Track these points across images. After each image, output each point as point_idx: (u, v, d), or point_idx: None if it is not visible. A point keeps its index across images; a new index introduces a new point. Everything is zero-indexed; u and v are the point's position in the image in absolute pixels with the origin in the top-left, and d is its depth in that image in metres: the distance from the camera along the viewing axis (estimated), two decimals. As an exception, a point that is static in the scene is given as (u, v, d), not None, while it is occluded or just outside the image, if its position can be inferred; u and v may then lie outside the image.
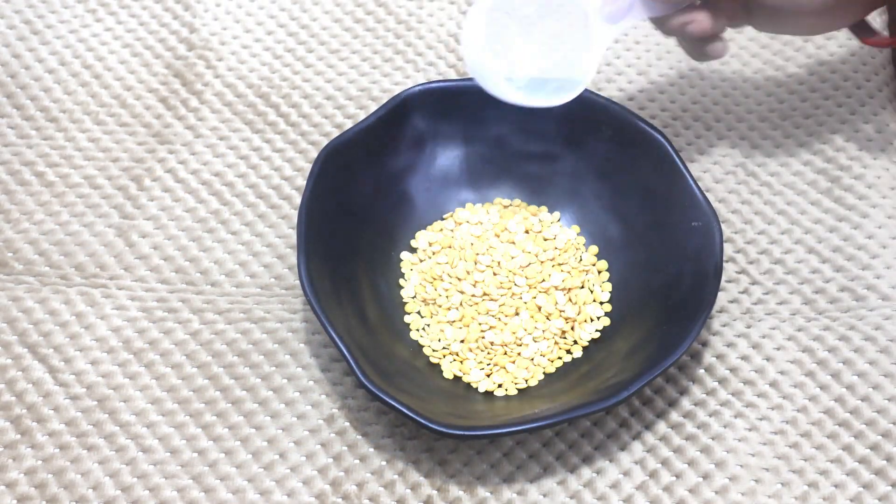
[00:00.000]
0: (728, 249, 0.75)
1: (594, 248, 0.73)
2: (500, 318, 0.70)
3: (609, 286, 0.71)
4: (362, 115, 0.82)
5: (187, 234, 0.76)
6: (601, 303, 0.71)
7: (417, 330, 0.70)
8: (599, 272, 0.72)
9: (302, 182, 0.78)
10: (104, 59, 0.85)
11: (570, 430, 0.68)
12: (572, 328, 0.70)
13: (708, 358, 0.70)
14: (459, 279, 0.70)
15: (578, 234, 0.73)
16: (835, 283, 0.73)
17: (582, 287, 0.71)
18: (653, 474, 0.66)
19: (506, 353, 0.69)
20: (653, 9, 0.70)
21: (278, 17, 0.87)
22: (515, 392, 0.68)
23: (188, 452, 0.67)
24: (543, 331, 0.69)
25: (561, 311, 0.70)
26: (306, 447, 0.67)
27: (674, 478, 0.66)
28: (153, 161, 0.79)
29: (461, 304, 0.70)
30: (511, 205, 0.74)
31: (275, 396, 0.69)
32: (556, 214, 0.74)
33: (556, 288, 0.70)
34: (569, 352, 0.70)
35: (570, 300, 0.70)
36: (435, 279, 0.71)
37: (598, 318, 0.70)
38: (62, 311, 0.72)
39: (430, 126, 0.74)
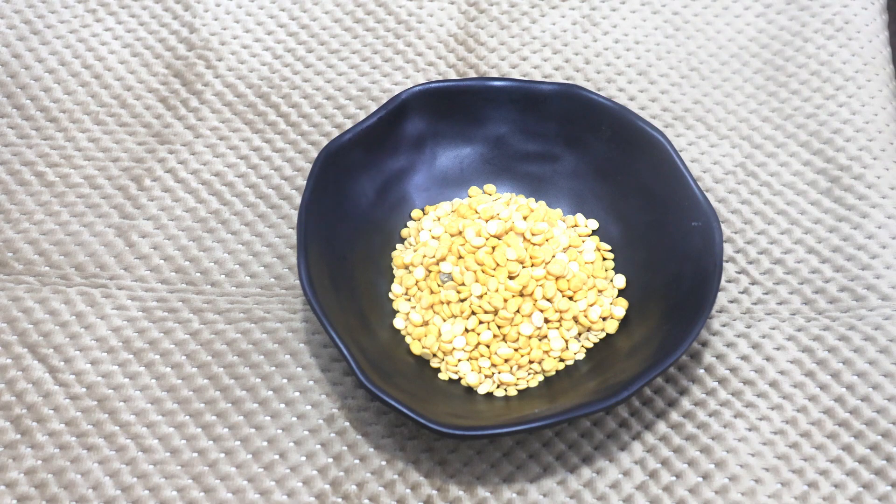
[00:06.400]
0: (728, 249, 0.75)
1: (605, 246, 0.73)
2: (501, 320, 0.69)
3: (615, 293, 0.71)
4: (362, 115, 0.82)
5: (187, 234, 0.76)
6: (610, 305, 0.71)
7: (416, 329, 0.70)
8: (606, 270, 0.72)
9: (302, 182, 0.78)
10: (104, 59, 0.85)
11: (570, 430, 0.68)
12: (578, 334, 0.70)
13: (708, 358, 0.70)
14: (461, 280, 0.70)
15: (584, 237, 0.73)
16: (835, 283, 0.73)
17: (591, 289, 0.71)
18: (653, 474, 0.66)
19: (506, 360, 0.69)
20: None
21: (278, 17, 0.87)
22: (515, 392, 0.68)
23: (188, 452, 0.67)
24: (547, 332, 0.69)
25: (564, 312, 0.70)
26: (306, 447, 0.67)
27: (674, 478, 0.66)
28: (153, 161, 0.79)
29: (461, 303, 0.70)
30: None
31: (275, 396, 0.69)
32: (558, 211, 0.74)
33: (559, 289, 0.70)
34: (562, 360, 0.69)
35: (574, 301, 0.70)
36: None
37: (605, 319, 0.70)
38: (62, 311, 0.72)
39: (430, 126, 0.74)
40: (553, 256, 0.70)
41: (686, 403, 0.69)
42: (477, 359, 0.69)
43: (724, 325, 0.71)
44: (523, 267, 0.69)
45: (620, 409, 0.68)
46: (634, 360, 0.66)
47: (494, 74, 0.84)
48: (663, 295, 0.69)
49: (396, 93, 0.81)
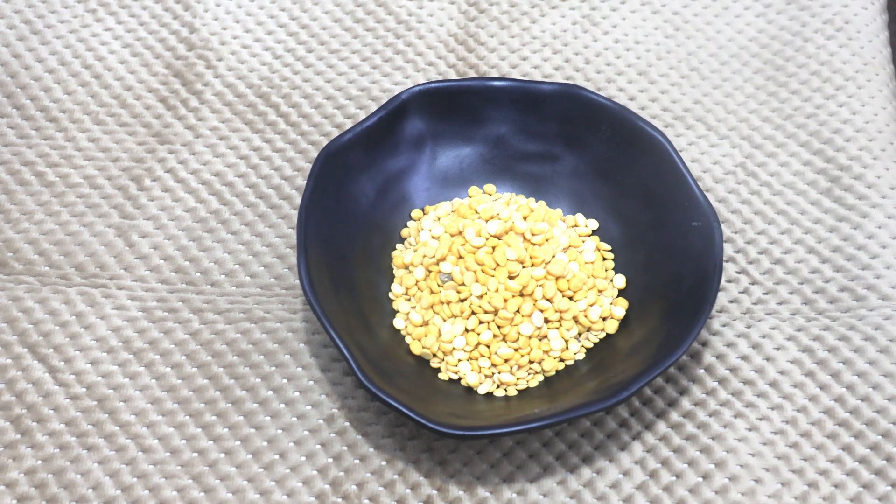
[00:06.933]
0: (728, 249, 0.75)
1: (605, 246, 0.73)
2: (501, 320, 0.69)
3: (615, 293, 0.71)
4: (362, 115, 0.82)
5: (187, 234, 0.76)
6: (611, 305, 0.71)
7: (416, 329, 0.70)
8: (606, 270, 0.72)
9: (302, 182, 0.78)
10: (104, 59, 0.85)
11: (570, 430, 0.68)
12: (578, 334, 0.70)
13: (708, 358, 0.70)
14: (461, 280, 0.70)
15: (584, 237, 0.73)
16: (835, 283, 0.73)
17: (591, 289, 0.71)
18: (653, 474, 0.66)
19: (506, 361, 0.68)
20: None
21: (278, 17, 0.87)
22: (515, 392, 0.68)
23: (188, 452, 0.67)
24: (547, 332, 0.69)
25: (564, 312, 0.70)
26: (306, 447, 0.67)
27: (674, 478, 0.66)
28: (153, 161, 0.79)
29: (461, 303, 0.70)
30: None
31: (275, 396, 0.69)
32: (558, 211, 0.74)
33: (559, 289, 0.70)
34: (562, 360, 0.69)
35: (574, 301, 0.70)
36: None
37: (605, 319, 0.70)
38: (62, 311, 0.72)
39: (430, 126, 0.74)
40: (553, 256, 0.70)
41: (686, 403, 0.69)
42: (477, 359, 0.69)
43: (724, 325, 0.71)
44: (523, 267, 0.69)
45: (620, 409, 0.68)
46: (634, 360, 0.66)
47: (494, 74, 0.84)
48: (663, 295, 0.69)
49: (396, 93, 0.81)
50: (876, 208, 0.76)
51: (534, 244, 0.70)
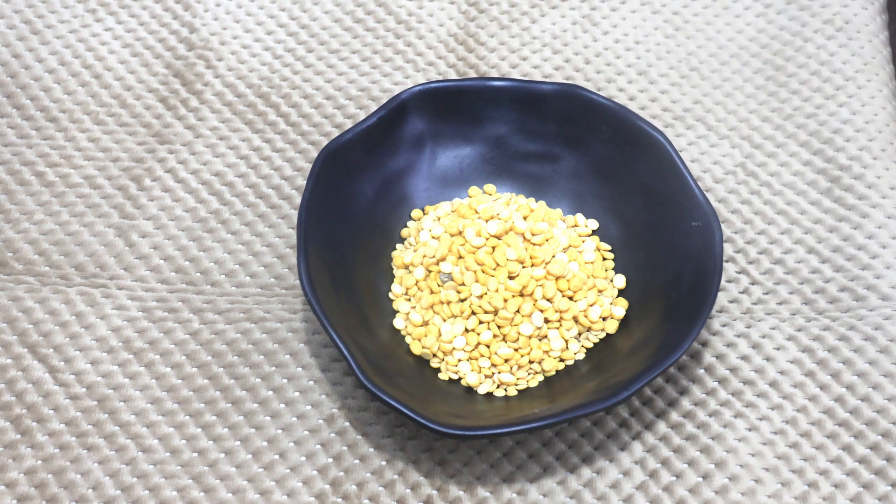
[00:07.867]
0: (728, 249, 0.75)
1: (605, 246, 0.73)
2: (501, 320, 0.69)
3: (615, 293, 0.71)
4: (362, 115, 0.82)
5: (187, 234, 0.76)
6: (611, 305, 0.71)
7: (416, 329, 0.70)
8: (606, 270, 0.72)
9: (302, 182, 0.78)
10: (104, 59, 0.85)
11: (570, 430, 0.68)
12: (578, 334, 0.70)
13: (708, 358, 0.70)
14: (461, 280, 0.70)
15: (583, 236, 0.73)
16: (835, 283, 0.73)
17: (591, 289, 0.71)
18: (653, 474, 0.66)
19: (506, 361, 0.68)
20: None
21: (278, 17, 0.87)
22: (515, 392, 0.68)
23: (188, 452, 0.67)
24: (547, 332, 0.69)
25: (564, 312, 0.70)
26: (306, 447, 0.67)
27: (674, 478, 0.66)
28: (153, 161, 0.79)
29: (461, 303, 0.70)
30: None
31: (275, 396, 0.69)
32: (558, 211, 0.74)
33: (559, 289, 0.70)
34: (562, 360, 0.69)
35: (574, 301, 0.70)
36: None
37: (605, 319, 0.70)
38: (62, 311, 0.72)
39: (430, 126, 0.74)
40: (553, 256, 0.70)
41: (686, 403, 0.69)
42: (477, 359, 0.69)
43: (724, 325, 0.72)
44: (523, 267, 0.69)
45: (620, 409, 0.68)
46: (634, 360, 0.66)
47: (494, 74, 0.84)
48: (663, 295, 0.69)
49: (396, 93, 0.81)
50: (876, 208, 0.76)
51: (534, 244, 0.70)
